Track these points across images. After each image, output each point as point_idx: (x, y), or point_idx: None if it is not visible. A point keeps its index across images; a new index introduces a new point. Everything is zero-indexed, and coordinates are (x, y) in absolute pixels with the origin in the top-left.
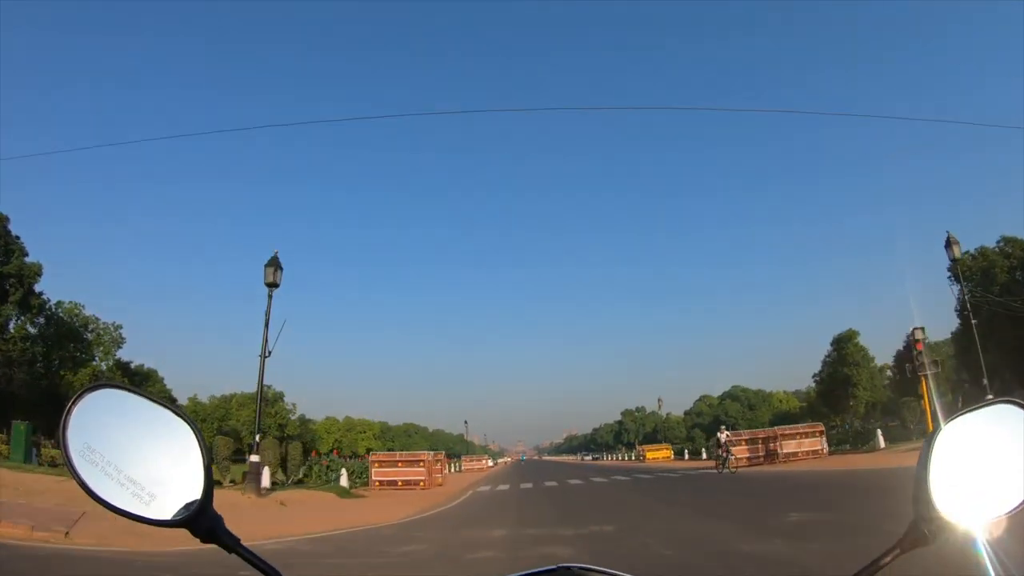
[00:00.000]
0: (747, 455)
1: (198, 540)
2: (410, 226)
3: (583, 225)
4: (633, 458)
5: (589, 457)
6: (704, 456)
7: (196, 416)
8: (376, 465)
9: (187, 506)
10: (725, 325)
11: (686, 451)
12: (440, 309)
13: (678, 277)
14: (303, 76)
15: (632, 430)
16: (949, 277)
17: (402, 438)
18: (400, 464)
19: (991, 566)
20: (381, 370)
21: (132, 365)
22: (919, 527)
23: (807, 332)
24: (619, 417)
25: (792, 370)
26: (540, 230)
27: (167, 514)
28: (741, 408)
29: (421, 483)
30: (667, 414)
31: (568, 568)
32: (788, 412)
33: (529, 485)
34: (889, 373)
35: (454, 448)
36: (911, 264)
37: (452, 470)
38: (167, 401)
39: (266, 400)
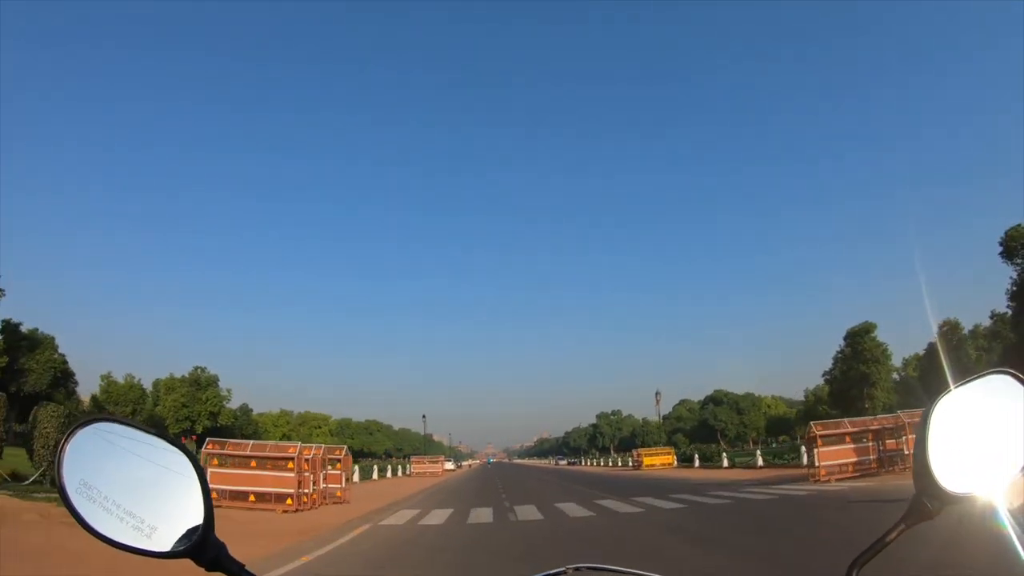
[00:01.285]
0: (853, 459)
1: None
2: (386, 222)
3: (562, 220)
4: (613, 463)
5: (564, 461)
6: (726, 463)
7: (107, 399)
8: (213, 462)
9: (189, 536)
10: (702, 330)
11: (696, 456)
12: (414, 306)
13: (653, 281)
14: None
15: (608, 434)
16: (1001, 253)
17: (362, 435)
18: (255, 464)
19: (1015, 535)
20: (354, 368)
21: (22, 328)
22: (922, 501)
23: (791, 337)
24: (594, 420)
25: (776, 376)
26: (519, 224)
27: (170, 545)
28: (730, 412)
29: (288, 500)
30: (643, 419)
31: (578, 568)
32: (782, 417)
33: (487, 516)
34: (897, 376)
35: (421, 448)
36: (930, 252)
37: (399, 473)
38: (161, 430)
39: (197, 384)
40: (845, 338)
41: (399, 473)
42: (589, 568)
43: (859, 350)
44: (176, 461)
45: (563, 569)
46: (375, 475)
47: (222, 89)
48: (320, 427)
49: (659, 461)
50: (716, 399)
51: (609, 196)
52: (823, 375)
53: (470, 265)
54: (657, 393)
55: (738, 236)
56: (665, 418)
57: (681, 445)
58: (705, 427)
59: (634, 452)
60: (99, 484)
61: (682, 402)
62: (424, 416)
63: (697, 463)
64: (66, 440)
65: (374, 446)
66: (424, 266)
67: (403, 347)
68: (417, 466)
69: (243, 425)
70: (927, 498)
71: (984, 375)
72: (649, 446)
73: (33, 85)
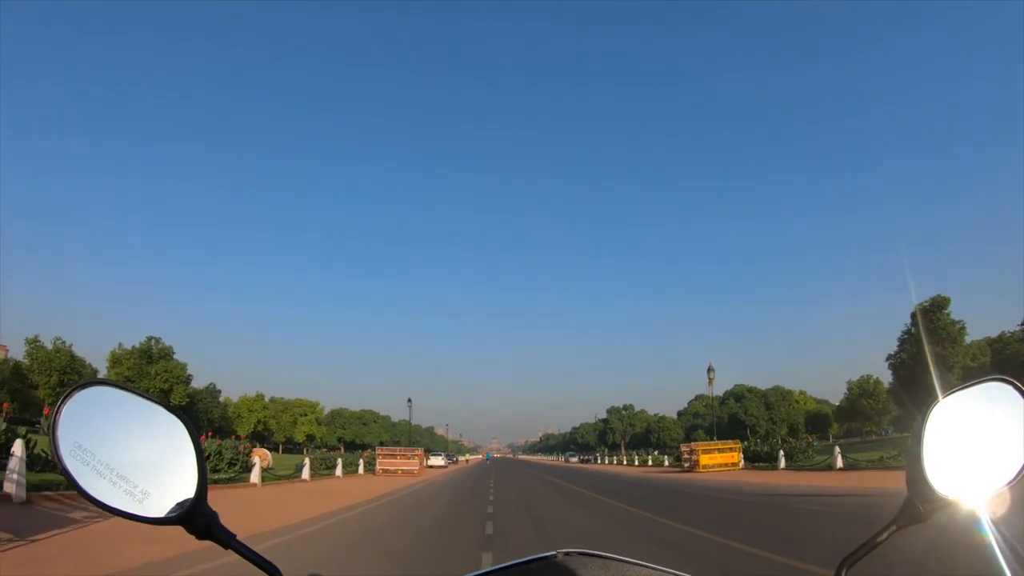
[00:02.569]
0: None
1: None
2: (390, 220)
3: (571, 213)
4: (642, 462)
5: (575, 459)
6: (840, 463)
7: (31, 367)
8: None
9: (181, 503)
10: (712, 327)
11: (782, 455)
12: (422, 302)
13: (660, 279)
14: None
15: (618, 430)
16: None
17: (355, 425)
18: None
19: (995, 543)
20: (357, 362)
21: None
22: (914, 503)
23: (807, 334)
24: (603, 415)
25: (795, 372)
26: (525, 217)
27: (161, 512)
28: (759, 406)
29: None
30: (659, 415)
31: (567, 554)
32: (819, 412)
33: None
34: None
35: (420, 441)
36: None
37: (361, 471)
38: (158, 397)
39: (148, 356)
40: (913, 316)
41: (362, 470)
42: (579, 553)
43: (932, 328)
44: (173, 428)
45: (553, 553)
46: (306, 473)
47: (223, 81)
48: (307, 415)
49: (719, 460)
50: (737, 394)
51: (616, 197)
52: (887, 359)
53: (478, 263)
54: (710, 369)
55: (741, 239)
56: (680, 414)
57: (702, 440)
58: (733, 422)
59: (685, 447)
60: (93, 447)
61: (698, 397)
62: (410, 400)
63: (782, 463)
64: (63, 402)
65: (368, 437)
66: (434, 262)
67: (408, 342)
68: (385, 461)
69: (209, 407)
70: (919, 500)
71: (982, 381)
72: (667, 443)
73: None
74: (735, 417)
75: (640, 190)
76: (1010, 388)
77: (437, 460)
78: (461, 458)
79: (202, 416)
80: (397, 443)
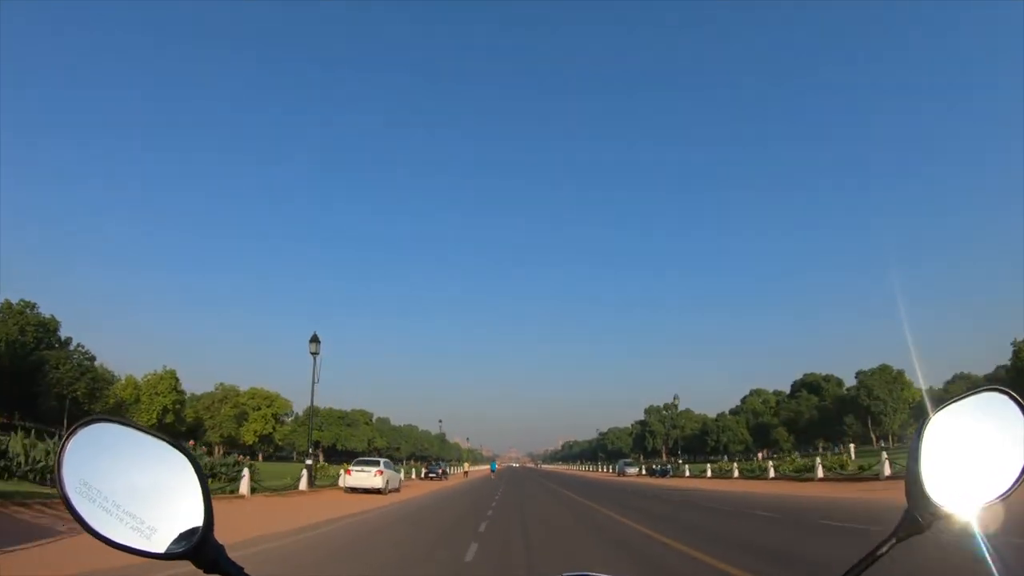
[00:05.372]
0: None
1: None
2: (405, 224)
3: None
4: (785, 472)
5: (633, 470)
6: None
7: None
8: None
9: (188, 537)
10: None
11: None
12: (441, 307)
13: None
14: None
15: (660, 433)
16: None
17: (335, 426)
18: None
19: (987, 553)
20: (368, 366)
21: None
22: (913, 515)
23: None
24: (641, 417)
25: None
26: (543, 214)
27: (169, 546)
28: (884, 388)
29: None
30: (720, 413)
31: None
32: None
33: None
34: None
35: (428, 449)
36: None
37: None
38: (162, 433)
39: None
40: None
41: None
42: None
43: None
44: (177, 462)
45: None
46: None
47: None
48: (260, 408)
49: None
50: (812, 384)
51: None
52: None
53: (498, 269)
54: None
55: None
56: (734, 412)
57: (783, 443)
58: (851, 405)
59: None
60: (99, 484)
61: (754, 392)
62: (314, 339)
63: None
64: (67, 440)
65: (352, 441)
66: (455, 267)
67: (424, 347)
68: None
69: (70, 380)
70: (918, 512)
71: (978, 392)
72: (725, 446)
73: None
74: (856, 401)
75: (641, 197)
76: (1006, 398)
77: (364, 477)
78: (458, 469)
79: (53, 390)
80: (397, 449)
